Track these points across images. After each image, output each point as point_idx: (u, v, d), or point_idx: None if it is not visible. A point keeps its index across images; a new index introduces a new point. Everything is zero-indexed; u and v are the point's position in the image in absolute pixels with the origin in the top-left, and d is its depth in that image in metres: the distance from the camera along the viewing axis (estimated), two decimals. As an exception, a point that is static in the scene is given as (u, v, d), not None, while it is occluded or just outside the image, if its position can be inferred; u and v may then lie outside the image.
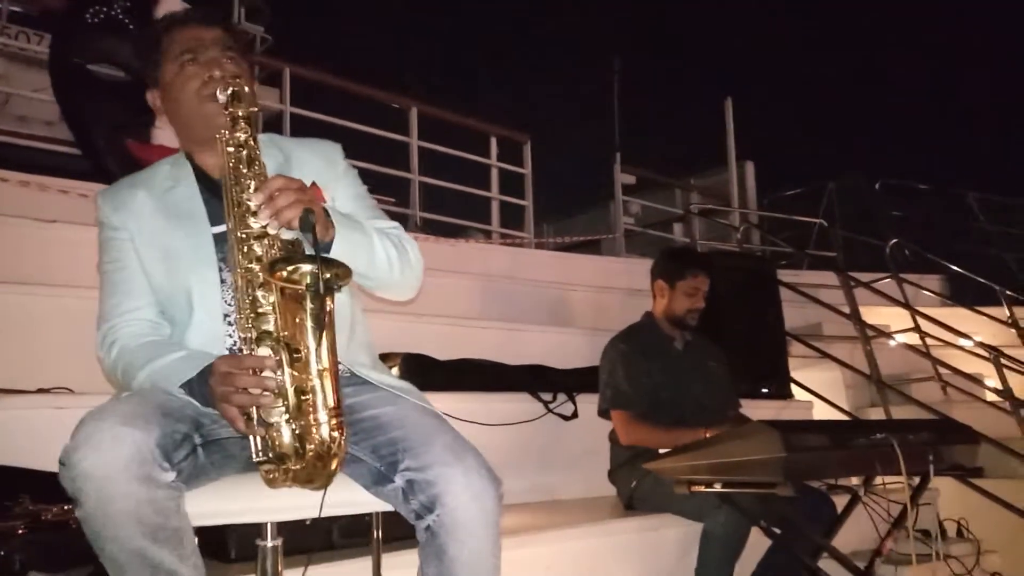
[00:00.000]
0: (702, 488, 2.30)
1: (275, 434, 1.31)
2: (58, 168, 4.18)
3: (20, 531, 1.49)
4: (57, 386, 2.33)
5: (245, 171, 1.43)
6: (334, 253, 1.42)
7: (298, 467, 1.31)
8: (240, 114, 1.46)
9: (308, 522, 1.79)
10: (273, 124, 5.44)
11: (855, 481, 2.87)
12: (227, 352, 1.51)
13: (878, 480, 2.55)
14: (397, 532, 1.57)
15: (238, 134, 1.45)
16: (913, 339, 4.85)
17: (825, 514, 2.62)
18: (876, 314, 5.02)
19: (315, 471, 1.31)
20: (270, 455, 1.32)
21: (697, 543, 2.49)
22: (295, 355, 1.29)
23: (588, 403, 3.24)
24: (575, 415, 3.24)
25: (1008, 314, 5.27)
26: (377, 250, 1.54)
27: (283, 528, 1.46)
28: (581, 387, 3.32)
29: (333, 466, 1.31)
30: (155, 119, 4.24)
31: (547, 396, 3.24)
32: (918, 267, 6.32)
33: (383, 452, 1.43)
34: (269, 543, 1.43)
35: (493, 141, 6.33)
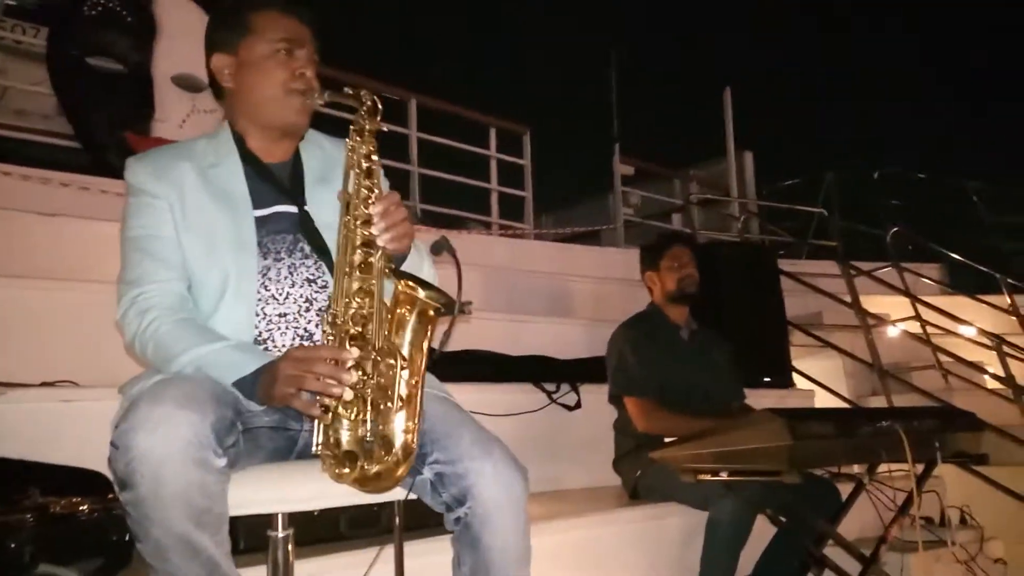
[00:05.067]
0: (708, 476, 2.30)
1: (350, 430, 1.35)
2: (57, 162, 4.15)
3: (30, 523, 1.48)
4: (60, 379, 2.32)
5: (364, 181, 1.49)
6: (404, 264, 1.55)
7: (373, 469, 1.34)
8: (368, 128, 1.52)
9: (316, 513, 1.80)
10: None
11: (857, 469, 2.87)
12: (254, 341, 1.53)
13: (882, 468, 2.56)
14: (410, 521, 1.62)
15: (368, 147, 1.51)
16: (914, 327, 4.86)
17: (830, 502, 2.63)
18: (877, 303, 5.03)
19: (385, 476, 1.35)
20: (340, 452, 1.34)
21: (702, 531, 2.49)
22: (398, 362, 1.37)
23: (591, 393, 3.25)
24: (578, 405, 3.25)
25: (1009, 302, 5.28)
26: (425, 265, 1.63)
27: (291, 519, 1.46)
28: (584, 377, 3.32)
29: (400, 471, 1.35)
30: (154, 112, 4.32)
31: (550, 386, 3.25)
32: (918, 256, 6.32)
33: None
34: (280, 534, 1.43)
35: (492, 132, 6.31)
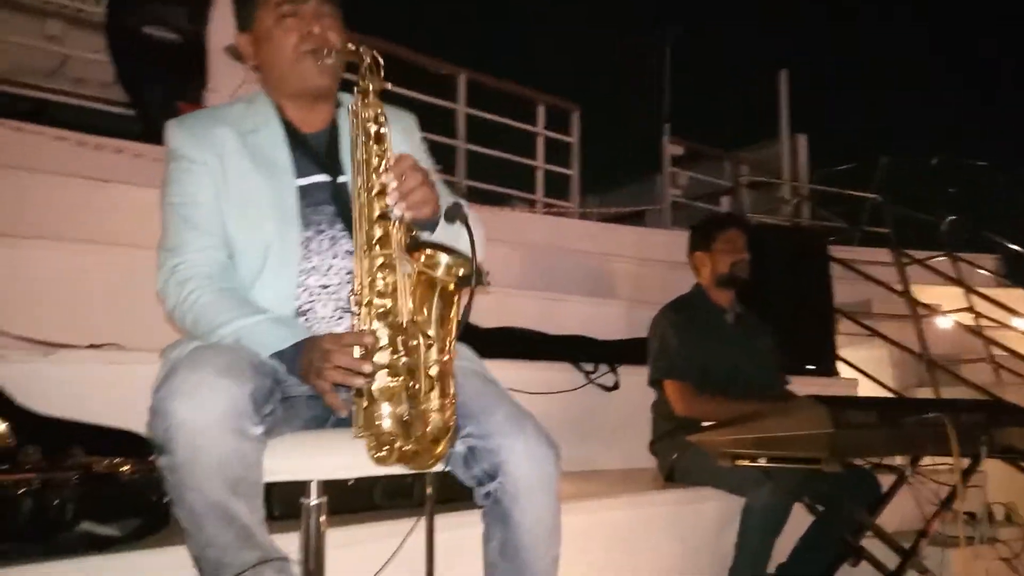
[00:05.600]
0: (746, 462, 2.27)
1: (386, 412, 1.33)
2: (112, 130, 4.23)
3: (73, 481, 1.52)
4: (107, 342, 2.38)
5: (374, 147, 1.43)
6: (436, 232, 1.48)
7: (409, 447, 1.33)
8: (371, 88, 1.45)
9: (350, 482, 1.82)
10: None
11: (899, 460, 2.81)
12: (295, 313, 1.53)
13: (925, 461, 2.50)
14: (444, 494, 1.61)
15: (373, 110, 1.45)
16: (966, 319, 4.73)
17: (869, 493, 2.58)
18: (928, 293, 4.91)
19: (427, 452, 1.34)
20: (379, 434, 1.33)
21: (737, 517, 2.47)
22: (427, 340, 1.34)
23: (629, 375, 3.23)
24: (616, 386, 3.23)
25: (1068, 296, 5.11)
26: (465, 229, 1.55)
27: (325, 488, 1.47)
28: (623, 358, 3.30)
29: (442, 449, 1.35)
30: (207, 82, 4.38)
31: (588, 366, 3.23)
32: (974, 245, 6.14)
33: None
34: (313, 501, 1.44)
35: (541, 109, 6.25)
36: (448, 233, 1.50)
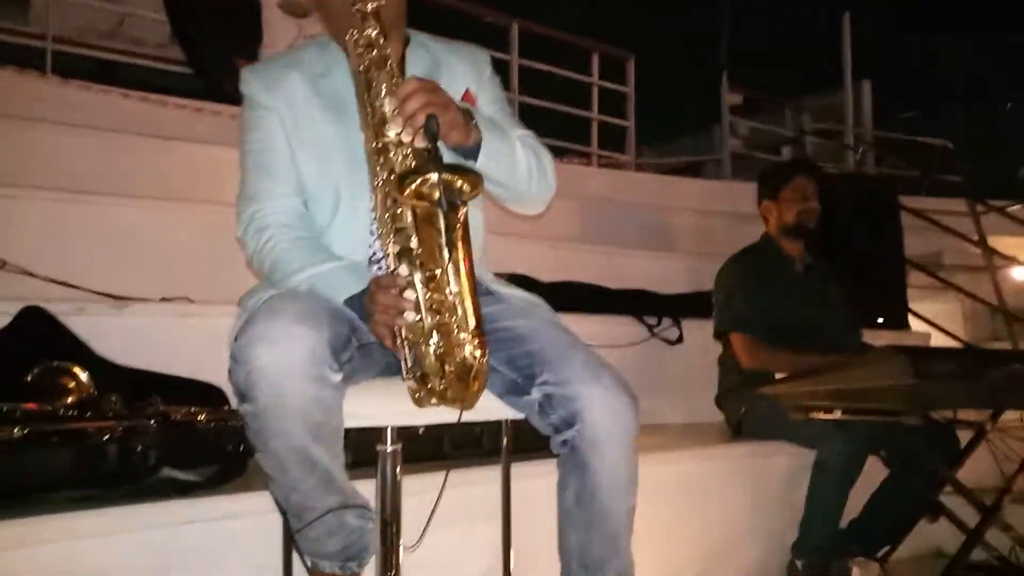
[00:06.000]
0: (820, 414, 2.21)
1: (419, 353, 1.31)
2: (172, 88, 4.28)
3: (153, 429, 1.54)
4: (178, 296, 2.42)
5: (376, 74, 1.38)
6: (479, 161, 1.40)
7: (441, 386, 1.30)
8: (368, 9, 1.38)
9: (421, 431, 1.82)
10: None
11: (975, 416, 2.72)
12: (367, 260, 1.53)
13: (1005, 416, 2.41)
14: (514, 443, 1.61)
15: (368, 31, 1.39)
16: (1046, 270, 4.55)
17: (946, 448, 2.50)
18: (1004, 244, 4.71)
19: (458, 390, 1.30)
20: (417, 374, 1.32)
21: (808, 471, 2.41)
22: (430, 274, 1.27)
23: (693, 328, 3.18)
24: (680, 340, 3.18)
25: None
26: (519, 159, 1.51)
27: (398, 435, 1.46)
28: (686, 312, 3.25)
29: (475, 387, 1.30)
30: (262, 38, 4.37)
31: (651, 320, 3.19)
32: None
33: (520, 364, 1.43)
34: (389, 448, 1.44)
35: (595, 58, 6.10)
36: (497, 159, 1.43)
